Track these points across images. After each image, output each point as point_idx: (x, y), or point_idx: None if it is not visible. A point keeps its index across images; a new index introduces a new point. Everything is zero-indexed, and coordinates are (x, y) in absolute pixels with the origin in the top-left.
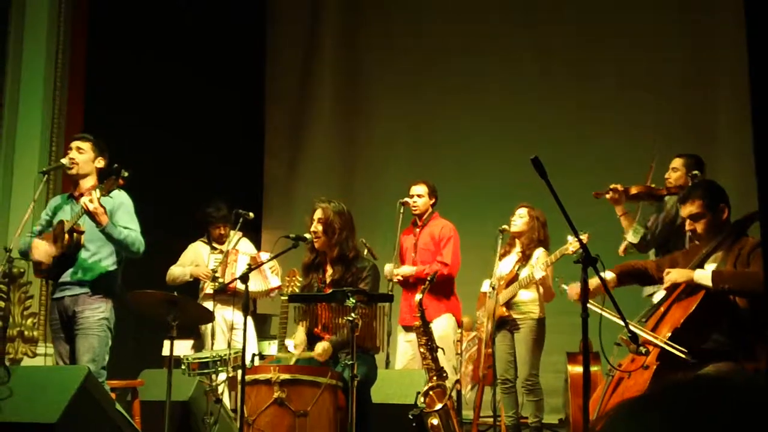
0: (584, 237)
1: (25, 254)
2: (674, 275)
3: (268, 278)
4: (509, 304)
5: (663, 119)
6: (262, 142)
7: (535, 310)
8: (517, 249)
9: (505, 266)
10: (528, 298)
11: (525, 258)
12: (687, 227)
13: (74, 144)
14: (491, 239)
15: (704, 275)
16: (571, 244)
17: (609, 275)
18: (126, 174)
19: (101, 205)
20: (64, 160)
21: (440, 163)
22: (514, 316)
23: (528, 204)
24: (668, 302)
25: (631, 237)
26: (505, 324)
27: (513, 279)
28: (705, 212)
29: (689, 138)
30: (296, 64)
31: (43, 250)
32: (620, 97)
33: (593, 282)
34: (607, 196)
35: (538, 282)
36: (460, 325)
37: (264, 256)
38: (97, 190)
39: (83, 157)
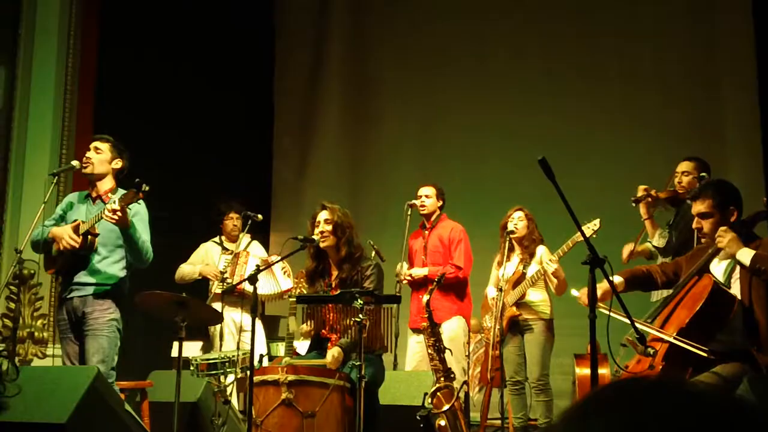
0: (596, 222)
1: (38, 245)
2: (726, 242)
3: (280, 281)
4: (519, 304)
5: (670, 119)
6: (270, 144)
7: (546, 311)
8: (518, 252)
9: (508, 269)
10: (538, 299)
11: (529, 257)
12: (694, 225)
13: (93, 144)
14: (498, 240)
15: (746, 253)
16: (584, 230)
17: (617, 279)
18: (146, 188)
19: (122, 212)
20: (74, 162)
21: (448, 163)
22: (525, 316)
23: (521, 206)
24: (673, 303)
25: (657, 241)
26: (515, 325)
27: (520, 278)
28: (713, 212)
29: (696, 137)
30: (304, 66)
31: (61, 231)
32: (627, 98)
33: (602, 287)
34: (648, 200)
35: (552, 274)
36: (470, 328)
37: (274, 259)
38: (117, 202)
39: (99, 157)
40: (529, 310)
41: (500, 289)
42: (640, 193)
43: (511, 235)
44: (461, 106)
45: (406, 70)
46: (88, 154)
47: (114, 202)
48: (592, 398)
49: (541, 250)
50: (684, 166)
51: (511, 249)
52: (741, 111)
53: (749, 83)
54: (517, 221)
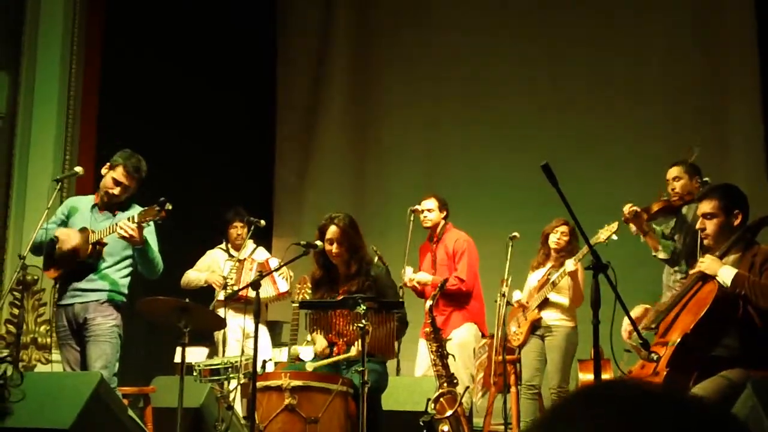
0: (614, 225)
1: (39, 247)
2: (705, 266)
3: (278, 283)
4: (545, 305)
5: (675, 123)
6: (273, 149)
7: (571, 315)
8: (552, 259)
9: (534, 278)
10: (565, 302)
11: (559, 266)
12: (698, 225)
13: (125, 174)
14: (502, 246)
15: (727, 274)
16: (602, 233)
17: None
18: (170, 207)
19: (139, 229)
20: (77, 169)
21: (451, 169)
22: (551, 322)
23: (564, 219)
24: (678, 308)
25: (662, 254)
26: (537, 329)
27: (544, 283)
28: (719, 213)
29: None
30: (307, 72)
31: (67, 234)
32: (633, 104)
33: (636, 312)
34: (640, 218)
35: (569, 274)
36: (484, 334)
37: (273, 261)
38: (136, 217)
39: (130, 191)
40: (555, 310)
41: (503, 295)
42: (627, 212)
43: (515, 240)
44: (465, 111)
45: (410, 73)
46: (120, 180)
47: (132, 218)
48: (577, 399)
49: (571, 262)
50: (674, 171)
51: (548, 256)
52: (744, 119)
53: (753, 88)
54: (561, 237)
